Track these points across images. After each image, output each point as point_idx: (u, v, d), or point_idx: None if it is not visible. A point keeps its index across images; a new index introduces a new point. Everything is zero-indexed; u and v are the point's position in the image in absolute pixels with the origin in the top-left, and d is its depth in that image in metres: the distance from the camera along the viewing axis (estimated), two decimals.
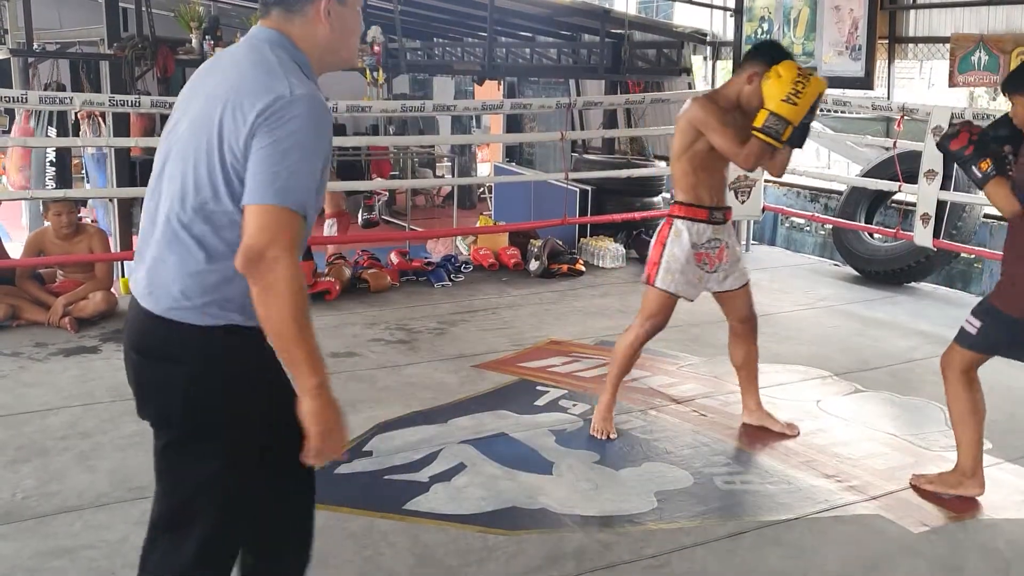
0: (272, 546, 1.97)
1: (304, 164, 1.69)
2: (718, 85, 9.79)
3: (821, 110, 3.63)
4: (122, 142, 6.91)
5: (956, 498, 3.24)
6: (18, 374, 4.36)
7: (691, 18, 11.19)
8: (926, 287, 6.62)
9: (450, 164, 12.95)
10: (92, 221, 7.82)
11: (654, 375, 4.47)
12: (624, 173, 7.42)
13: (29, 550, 2.79)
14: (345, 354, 4.73)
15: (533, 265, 6.51)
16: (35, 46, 8.85)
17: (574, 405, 4.08)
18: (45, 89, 8.53)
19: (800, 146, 3.50)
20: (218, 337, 1.74)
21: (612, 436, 3.71)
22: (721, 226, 3.63)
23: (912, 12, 7.46)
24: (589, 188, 7.19)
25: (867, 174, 6.86)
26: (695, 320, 4.88)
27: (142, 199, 1.93)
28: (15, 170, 8.33)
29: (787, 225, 9.05)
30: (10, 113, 8.70)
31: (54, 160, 8.31)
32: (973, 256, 6.84)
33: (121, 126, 7.20)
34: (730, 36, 9.36)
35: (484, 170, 14.12)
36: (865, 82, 7.17)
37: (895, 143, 6.45)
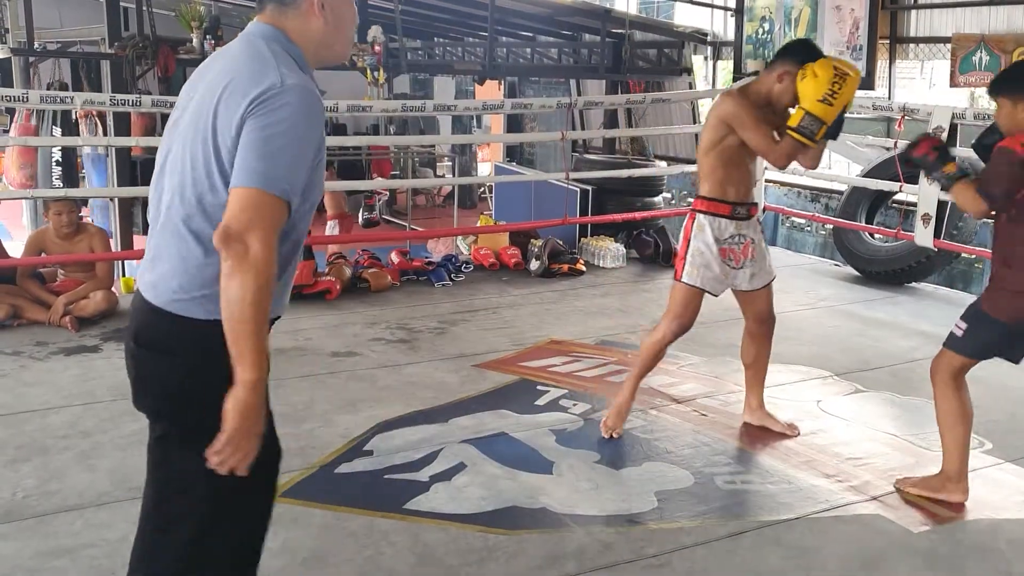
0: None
1: (291, 151, 1.70)
2: (719, 85, 9.86)
3: None
4: (123, 141, 6.92)
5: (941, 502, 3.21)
6: (19, 373, 4.36)
7: (692, 18, 11.20)
8: (927, 287, 6.62)
9: (451, 164, 12.97)
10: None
11: (655, 375, 4.44)
12: (625, 173, 7.43)
13: (30, 549, 2.79)
14: (346, 353, 4.73)
15: (534, 265, 6.51)
16: (36, 45, 8.86)
17: (574, 405, 4.08)
18: (48, 88, 8.54)
19: (835, 138, 3.51)
20: (216, 331, 1.74)
21: (616, 435, 3.71)
22: (745, 222, 3.61)
23: (913, 12, 7.46)
24: (590, 188, 7.20)
25: (868, 174, 6.86)
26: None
27: (143, 199, 1.94)
28: (15, 168, 8.33)
29: (788, 225, 9.07)
30: (11, 112, 8.71)
31: (60, 160, 8.32)
32: (974, 256, 6.85)
33: (122, 125, 7.21)
34: (731, 36, 9.36)
35: (485, 170, 14.14)
36: (866, 82, 7.17)
37: (896, 143, 6.44)
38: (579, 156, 8.97)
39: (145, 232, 7.78)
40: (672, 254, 6.78)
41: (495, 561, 2.80)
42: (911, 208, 6.56)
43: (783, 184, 8.92)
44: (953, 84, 6.75)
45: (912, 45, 7.62)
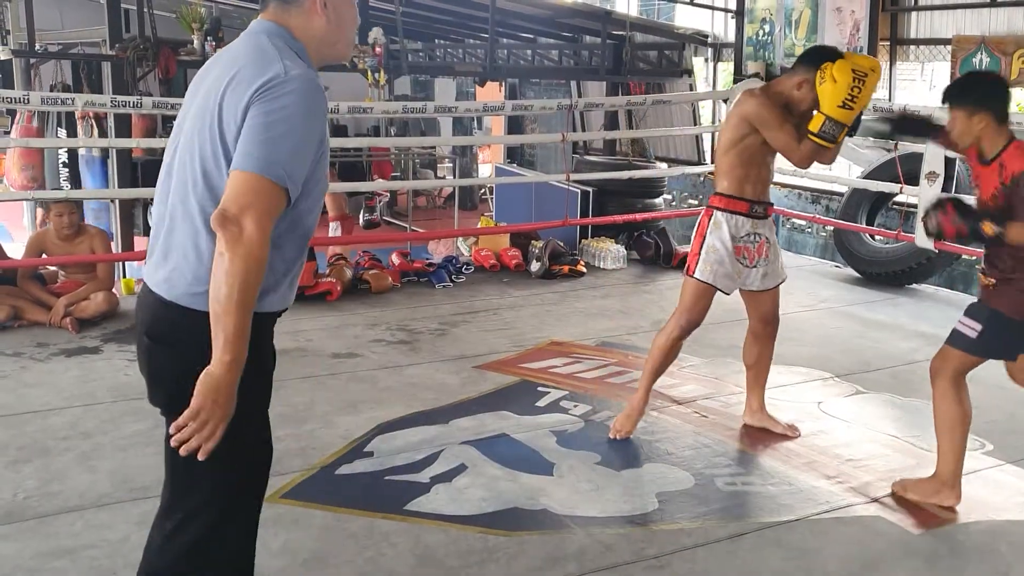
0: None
1: (291, 138, 1.71)
2: (719, 87, 9.87)
3: None
4: (124, 143, 6.92)
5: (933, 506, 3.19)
6: (19, 374, 4.36)
7: (692, 20, 11.21)
8: (927, 289, 6.62)
9: (451, 165, 12.97)
10: None
11: None
12: (625, 174, 7.44)
13: (30, 550, 2.79)
14: (346, 355, 4.74)
15: (534, 266, 6.51)
16: (37, 47, 8.87)
17: (575, 406, 4.08)
18: (52, 89, 8.55)
19: (854, 136, 3.55)
20: None
21: (621, 436, 3.70)
22: (761, 220, 3.62)
23: (913, 14, 7.47)
24: (590, 189, 7.20)
25: (868, 176, 6.87)
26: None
27: (143, 200, 1.95)
28: (16, 170, 8.34)
29: (788, 226, 9.06)
30: (12, 113, 8.72)
31: (67, 161, 8.33)
32: (975, 258, 6.84)
33: (123, 127, 7.21)
34: (731, 38, 9.37)
35: (485, 171, 14.15)
36: None
37: (896, 145, 6.45)
38: (580, 157, 8.98)
39: (146, 233, 7.79)
40: (672, 255, 6.80)
41: (495, 562, 2.80)
42: (912, 210, 6.57)
43: (784, 186, 8.91)
44: None
45: (912, 47, 7.63)
